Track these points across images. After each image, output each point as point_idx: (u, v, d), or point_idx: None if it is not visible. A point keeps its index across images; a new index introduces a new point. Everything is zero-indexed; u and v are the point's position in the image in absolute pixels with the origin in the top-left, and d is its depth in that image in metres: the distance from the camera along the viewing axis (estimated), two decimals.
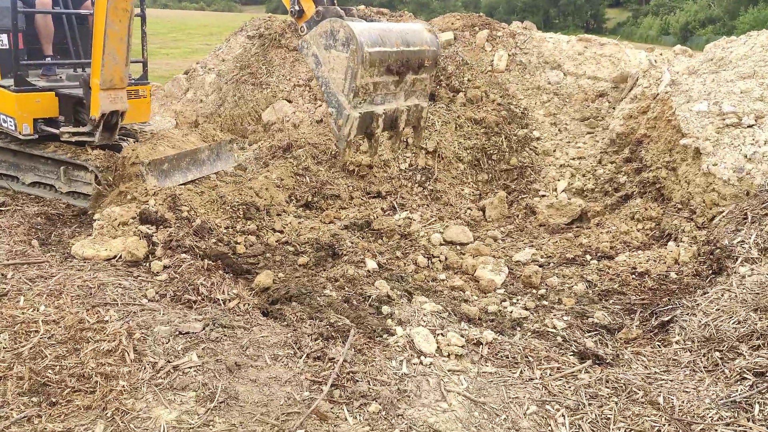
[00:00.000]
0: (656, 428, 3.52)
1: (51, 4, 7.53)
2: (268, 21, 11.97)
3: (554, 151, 8.66)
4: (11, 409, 3.30)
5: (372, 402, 3.65)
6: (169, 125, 10.07)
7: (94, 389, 3.51)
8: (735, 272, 4.97)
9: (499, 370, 4.16)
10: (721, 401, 3.66)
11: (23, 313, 4.09)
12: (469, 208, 7.92)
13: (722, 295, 4.73)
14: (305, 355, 4.08)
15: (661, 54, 9.91)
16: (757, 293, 4.54)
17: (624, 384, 3.94)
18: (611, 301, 5.40)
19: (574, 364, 4.28)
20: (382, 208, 7.60)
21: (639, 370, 4.17)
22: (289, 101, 10.36)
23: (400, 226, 7.09)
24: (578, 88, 9.43)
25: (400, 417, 3.57)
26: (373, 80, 4.86)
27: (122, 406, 3.42)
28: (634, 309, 5.20)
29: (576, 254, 6.50)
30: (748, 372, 3.84)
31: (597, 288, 5.68)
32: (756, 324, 4.20)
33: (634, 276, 5.78)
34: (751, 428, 3.39)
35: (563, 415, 3.69)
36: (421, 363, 4.15)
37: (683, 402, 3.71)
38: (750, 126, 6.59)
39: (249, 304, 4.80)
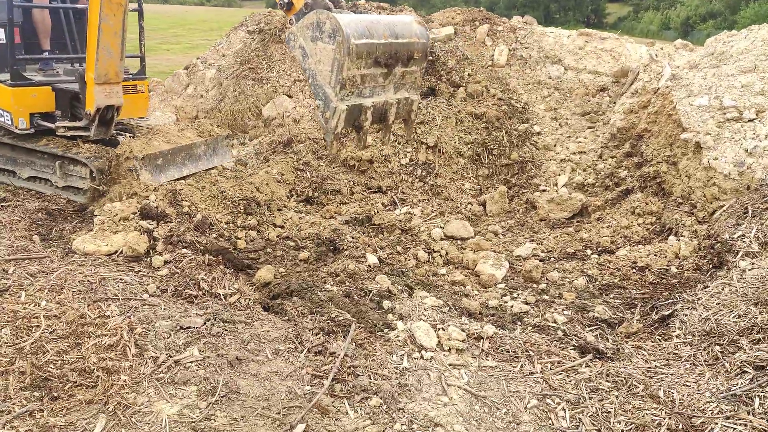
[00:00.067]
0: (657, 422, 3.53)
1: None
2: (268, 16, 11.95)
3: (555, 145, 8.65)
4: (13, 404, 3.31)
5: (373, 396, 3.66)
6: (170, 121, 10.06)
7: (95, 384, 3.52)
8: (735, 266, 4.97)
9: (499, 365, 4.16)
10: (722, 395, 3.67)
11: (25, 308, 4.09)
12: (469, 203, 7.92)
13: (723, 289, 4.73)
14: (306, 350, 4.08)
15: (661, 48, 9.90)
16: (758, 287, 4.54)
17: (624, 378, 3.95)
18: (612, 296, 5.40)
19: (574, 358, 4.28)
20: (382, 203, 7.60)
21: (639, 364, 4.17)
22: (290, 96, 10.36)
23: (400, 221, 7.09)
24: (579, 83, 9.42)
25: (401, 411, 3.58)
26: (361, 72, 4.81)
27: (124, 400, 3.43)
28: (634, 303, 5.20)
29: (576, 249, 6.50)
30: (748, 366, 3.85)
31: (597, 282, 5.68)
32: (756, 318, 4.20)
33: (634, 270, 5.78)
34: (751, 421, 3.40)
35: (564, 409, 3.69)
36: (421, 357, 4.15)
37: (684, 396, 3.72)
38: (751, 120, 6.58)
39: (250, 299, 4.81)
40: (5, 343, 3.73)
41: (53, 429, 3.19)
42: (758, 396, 3.57)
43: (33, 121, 6.92)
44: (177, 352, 3.91)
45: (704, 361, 4.07)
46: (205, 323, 4.24)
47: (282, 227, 6.68)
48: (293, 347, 4.13)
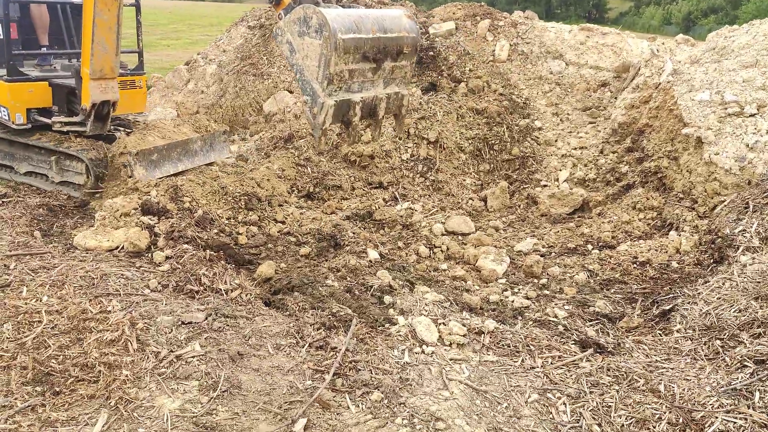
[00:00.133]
0: (657, 416, 3.53)
1: None
2: (268, 11, 11.94)
3: (556, 141, 8.65)
4: (15, 399, 3.32)
5: (374, 390, 3.67)
6: (171, 116, 10.06)
7: (97, 379, 3.53)
8: (736, 261, 4.97)
9: (500, 359, 4.17)
10: (722, 389, 3.67)
11: (26, 304, 4.11)
12: (470, 198, 7.92)
13: (723, 284, 4.73)
14: (307, 345, 4.09)
15: (663, 43, 9.88)
16: (758, 282, 4.55)
17: (625, 372, 3.96)
18: (612, 290, 5.41)
19: (575, 352, 4.29)
20: (383, 199, 7.60)
21: (640, 358, 4.18)
22: (291, 92, 10.35)
23: (401, 216, 7.09)
24: (580, 78, 9.40)
25: (402, 405, 3.59)
26: (349, 67, 4.77)
27: (126, 395, 3.44)
28: (635, 298, 5.21)
29: (577, 244, 6.51)
30: (748, 360, 3.85)
31: (598, 277, 5.69)
32: (757, 312, 4.20)
33: (635, 265, 5.78)
34: (751, 415, 3.40)
35: (564, 403, 3.70)
36: (423, 352, 4.16)
37: (684, 390, 3.73)
38: (752, 115, 6.57)
39: (251, 294, 4.81)
40: (7, 338, 3.74)
41: (55, 424, 3.20)
42: (758, 390, 3.58)
43: (30, 116, 6.93)
44: (178, 347, 3.92)
45: (705, 356, 4.08)
46: (206, 318, 4.25)
47: (283, 223, 6.68)
48: (294, 342, 4.14)
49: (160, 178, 6.59)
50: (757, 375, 3.69)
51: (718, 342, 4.13)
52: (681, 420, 3.48)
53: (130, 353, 3.77)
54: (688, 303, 4.72)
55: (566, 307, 5.12)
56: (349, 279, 5.25)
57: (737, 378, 3.73)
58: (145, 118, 8.11)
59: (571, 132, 8.76)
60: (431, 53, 9.59)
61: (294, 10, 4.73)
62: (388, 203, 7.58)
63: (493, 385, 3.87)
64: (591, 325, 4.80)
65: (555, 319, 4.87)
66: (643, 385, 3.82)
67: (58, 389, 3.43)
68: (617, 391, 3.77)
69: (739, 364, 3.87)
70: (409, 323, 4.46)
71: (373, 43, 4.89)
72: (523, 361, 4.16)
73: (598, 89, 9.22)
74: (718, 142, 6.51)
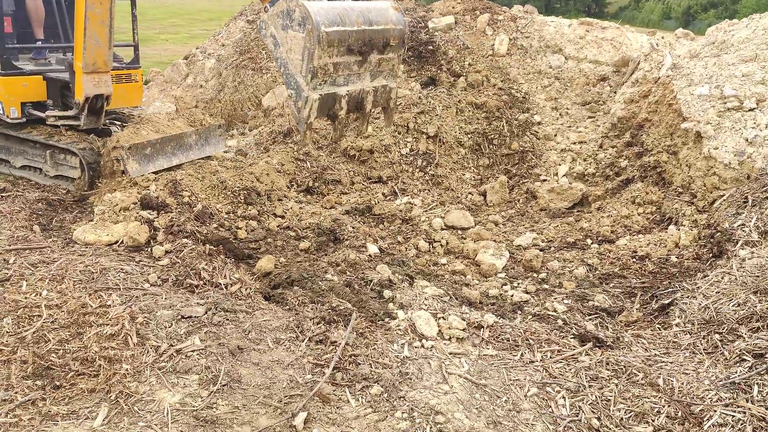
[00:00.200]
0: (656, 409, 3.55)
1: None
2: None
3: (555, 135, 8.64)
4: (16, 393, 3.33)
5: (374, 384, 3.68)
6: (170, 111, 10.05)
7: (97, 373, 3.53)
8: (735, 255, 4.98)
9: (500, 353, 4.18)
10: (721, 383, 3.68)
11: (26, 298, 4.11)
12: (470, 193, 7.92)
13: (722, 278, 4.74)
14: (307, 339, 4.10)
15: (662, 38, 9.87)
16: (757, 276, 4.55)
17: (624, 366, 3.97)
18: (612, 285, 5.42)
19: (574, 346, 4.30)
20: (383, 193, 7.60)
21: (639, 352, 4.19)
22: None
23: (401, 210, 7.09)
24: (579, 72, 9.39)
25: (401, 399, 3.60)
26: (333, 61, 4.71)
27: (126, 389, 3.45)
28: (634, 292, 5.22)
29: (577, 238, 6.51)
30: (747, 354, 3.86)
31: (597, 271, 5.69)
32: (756, 306, 4.21)
33: (634, 259, 5.79)
34: (749, 409, 3.42)
35: (564, 397, 3.71)
36: (422, 346, 4.17)
37: (683, 383, 3.74)
38: (751, 109, 6.57)
39: (251, 289, 4.82)
40: (7, 332, 3.75)
41: (56, 417, 3.21)
42: (757, 384, 3.59)
43: (25, 110, 6.92)
44: (178, 341, 3.93)
45: (703, 350, 4.09)
46: (206, 312, 4.26)
47: (282, 217, 6.68)
48: (294, 336, 4.15)
49: (154, 172, 6.58)
50: (756, 369, 3.70)
51: (717, 336, 4.14)
52: (680, 413, 3.49)
53: (130, 347, 3.77)
54: (687, 297, 4.73)
55: (565, 301, 5.13)
56: (348, 273, 5.25)
57: (736, 372, 3.74)
58: (141, 112, 8.08)
59: (570, 126, 8.75)
60: (430, 47, 9.57)
61: (277, 3, 4.67)
62: (388, 198, 7.58)
63: (492, 379, 3.88)
64: (590, 319, 4.81)
65: (554, 314, 4.88)
66: (642, 379, 3.83)
67: (58, 383, 3.43)
68: (616, 385, 3.78)
69: (737, 357, 3.88)
70: (408, 317, 4.46)
71: (358, 35, 4.82)
72: (522, 355, 4.17)
73: (597, 84, 9.21)
74: (718, 137, 6.51)
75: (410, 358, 4.01)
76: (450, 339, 4.29)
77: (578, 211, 7.36)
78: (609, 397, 3.68)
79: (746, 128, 6.40)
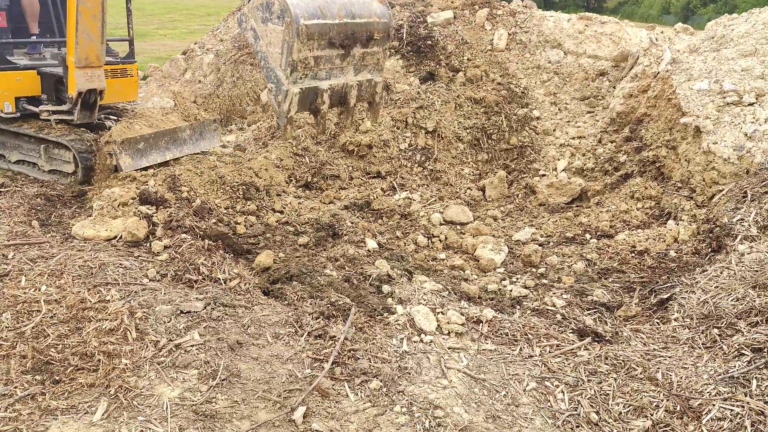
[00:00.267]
0: (655, 404, 3.55)
1: None
2: None
3: (554, 130, 8.64)
4: (15, 387, 3.33)
5: (373, 379, 3.69)
6: (168, 106, 10.02)
7: (96, 367, 3.54)
8: (734, 250, 4.99)
9: (498, 348, 4.19)
10: (719, 377, 3.69)
11: (25, 293, 4.11)
12: (468, 188, 7.92)
13: (721, 273, 4.74)
14: (306, 334, 4.10)
15: (662, 32, 9.85)
16: (756, 270, 4.56)
17: (623, 361, 3.97)
18: (610, 279, 5.42)
19: (573, 341, 4.31)
20: (381, 188, 7.59)
21: (638, 346, 4.20)
22: None
23: (400, 206, 7.09)
24: (578, 67, 9.38)
25: (400, 393, 3.61)
26: (314, 54, 4.66)
27: (125, 383, 3.45)
28: (633, 287, 5.22)
29: (576, 233, 6.52)
30: (746, 348, 3.87)
31: (596, 266, 5.69)
32: (754, 301, 4.22)
33: (633, 254, 5.79)
34: (748, 403, 3.42)
35: (563, 392, 3.72)
36: (421, 341, 4.17)
37: (681, 378, 3.75)
38: (751, 104, 6.57)
39: (250, 284, 4.82)
40: (6, 327, 3.75)
41: (55, 412, 3.21)
42: (755, 378, 3.60)
43: (19, 105, 6.92)
44: (177, 336, 3.93)
45: (702, 344, 4.09)
46: (205, 307, 4.26)
47: (281, 212, 6.68)
48: (293, 331, 4.15)
49: (147, 167, 6.58)
50: (755, 363, 3.70)
51: (716, 330, 4.15)
52: (678, 407, 3.50)
53: (129, 342, 3.77)
54: (686, 292, 4.73)
55: (564, 296, 5.14)
56: (347, 268, 5.25)
57: (734, 366, 3.75)
58: (134, 107, 8.06)
59: (569, 121, 8.75)
60: (429, 42, 9.55)
61: None
62: (387, 193, 7.57)
63: (491, 373, 3.89)
64: (589, 313, 4.81)
65: (553, 308, 4.88)
66: (640, 374, 3.84)
67: (57, 378, 3.44)
68: (615, 380, 3.79)
69: (736, 352, 3.89)
70: (407, 312, 4.47)
71: (340, 28, 4.75)
72: (521, 349, 4.18)
73: (596, 78, 9.20)
74: (717, 132, 6.51)
75: (409, 353, 4.02)
76: (449, 334, 4.29)
77: (577, 206, 7.36)
78: (608, 392, 3.69)
79: (745, 123, 6.40)
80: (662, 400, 3.57)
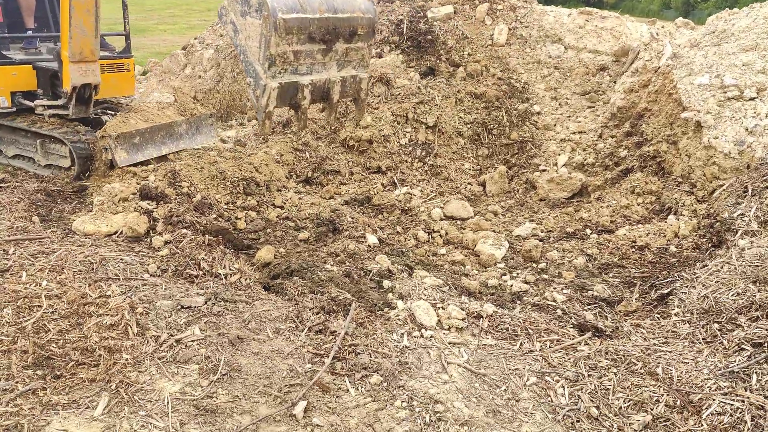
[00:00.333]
0: (655, 398, 3.56)
1: None
2: None
3: (555, 125, 8.63)
4: (16, 382, 3.33)
5: (373, 374, 3.69)
6: (168, 101, 10.01)
7: (97, 362, 3.54)
8: (735, 245, 4.98)
9: (499, 343, 4.19)
10: (720, 372, 3.70)
11: (26, 288, 4.11)
12: (469, 183, 7.91)
13: (722, 268, 4.74)
14: (307, 329, 4.11)
15: (662, 27, 9.83)
16: (757, 265, 4.56)
17: (623, 355, 3.98)
18: (611, 275, 5.42)
19: (573, 336, 4.31)
20: (382, 184, 7.59)
21: (638, 341, 4.20)
22: None
23: (400, 201, 7.09)
24: (579, 62, 9.36)
25: (401, 388, 3.61)
26: (293, 49, 4.61)
27: (126, 378, 3.45)
28: (633, 282, 5.22)
29: (576, 228, 6.51)
30: (746, 343, 3.87)
31: (597, 261, 5.69)
32: (755, 296, 4.22)
33: (634, 249, 5.79)
34: (748, 398, 3.43)
35: (563, 386, 3.72)
36: (421, 336, 4.18)
37: (682, 372, 3.75)
38: (752, 99, 6.56)
39: (250, 279, 4.82)
40: (7, 322, 3.75)
41: (56, 407, 3.22)
42: (756, 372, 3.60)
43: (14, 99, 6.93)
44: (178, 331, 3.94)
45: (702, 339, 4.10)
46: (205, 303, 4.26)
47: (282, 208, 6.68)
48: (294, 326, 4.15)
49: (144, 162, 6.58)
50: (755, 358, 3.71)
51: (716, 325, 4.15)
52: (678, 402, 3.51)
53: (130, 337, 3.78)
54: (687, 287, 4.73)
55: (565, 291, 5.14)
56: (348, 264, 5.25)
57: (735, 361, 3.75)
58: (131, 101, 8.06)
59: (569, 116, 8.73)
60: (429, 37, 9.53)
61: None
62: (387, 188, 7.57)
63: (491, 368, 3.89)
64: (589, 308, 4.82)
65: (553, 303, 4.88)
66: (641, 368, 3.84)
67: (58, 373, 3.44)
68: (615, 374, 3.80)
69: (736, 347, 3.89)
70: (408, 307, 4.47)
71: (320, 23, 4.69)
72: (521, 344, 4.18)
73: (597, 73, 9.18)
74: (718, 126, 6.50)
75: (410, 348, 4.02)
76: (449, 329, 4.30)
77: (577, 201, 7.35)
78: (608, 386, 3.69)
79: (746, 118, 6.39)
80: (662, 395, 3.57)
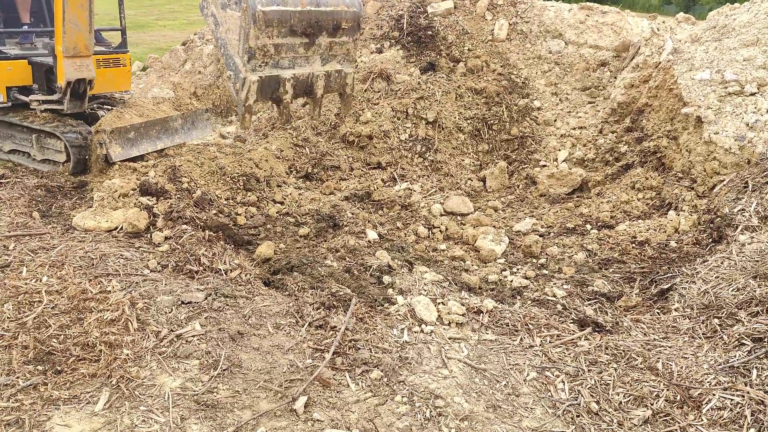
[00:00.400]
0: (655, 393, 3.56)
1: None
2: None
3: (555, 120, 8.61)
4: (17, 377, 3.34)
5: (374, 369, 3.69)
6: (168, 97, 10.00)
7: (98, 358, 3.55)
8: (735, 240, 4.98)
9: (499, 338, 4.19)
10: (720, 366, 3.70)
11: (26, 284, 4.11)
12: (469, 179, 7.91)
13: (722, 263, 4.74)
14: (307, 324, 4.11)
15: (663, 22, 9.80)
16: (757, 261, 4.56)
17: (623, 350, 3.98)
18: (611, 270, 5.42)
19: (573, 331, 4.31)
20: (382, 179, 7.59)
21: (638, 337, 4.20)
22: None
23: (400, 196, 7.09)
24: (579, 58, 9.34)
25: (401, 383, 3.62)
26: (274, 42, 4.55)
27: (127, 374, 3.46)
28: (633, 277, 5.22)
29: (576, 224, 6.51)
30: (746, 338, 3.87)
31: (597, 257, 5.70)
32: (755, 291, 4.22)
33: (634, 245, 5.79)
34: (748, 392, 3.43)
35: (563, 381, 3.73)
36: (422, 331, 4.18)
37: (682, 367, 3.75)
38: (752, 94, 6.55)
39: (251, 275, 4.82)
40: (8, 318, 3.75)
41: (57, 402, 3.23)
42: (756, 367, 3.60)
43: (10, 94, 6.93)
44: (179, 326, 3.94)
45: (702, 334, 4.10)
46: (206, 298, 4.26)
47: (282, 203, 6.67)
48: (294, 321, 4.16)
49: (139, 156, 6.58)
50: (755, 353, 3.71)
51: (716, 320, 4.15)
52: (678, 397, 3.51)
53: (130, 332, 3.78)
54: (687, 282, 4.73)
55: (565, 286, 5.14)
56: (348, 259, 5.25)
57: (735, 356, 3.76)
58: (127, 96, 8.06)
59: (570, 112, 8.72)
60: (429, 33, 9.51)
61: None
62: (387, 184, 7.56)
63: (491, 363, 3.90)
64: (589, 304, 4.82)
65: (554, 299, 4.89)
66: (641, 363, 3.84)
67: (59, 368, 3.45)
68: (615, 369, 3.80)
69: (736, 342, 3.89)
70: (408, 303, 4.47)
71: (302, 16, 4.63)
72: (521, 339, 4.19)
73: (597, 69, 9.16)
74: (718, 122, 6.49)
75: (410, 343, 4.02)
76: (449, 324, 4.30)
77: (578, 197, 7.35)
78: (608, 381, 3.70)
79: (747, 113, 6.38)
80: (662, 390, 3.57)
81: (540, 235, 6.23)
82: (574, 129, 8.40)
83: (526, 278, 5.36)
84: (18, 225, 5.23)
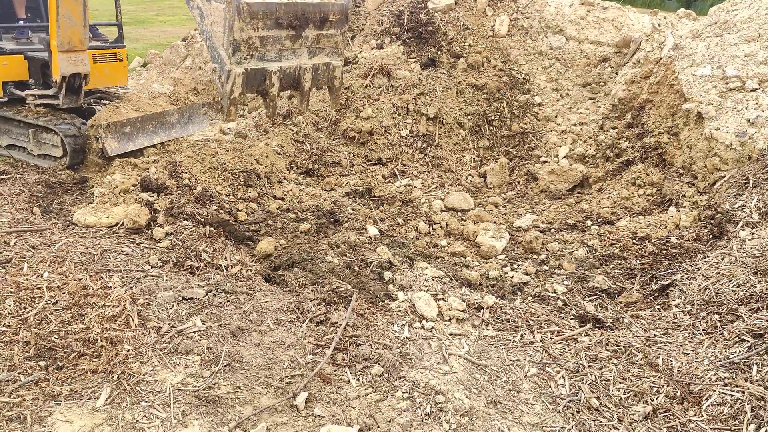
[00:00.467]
0: (655, 389, 3.57)
1: None
2: None
3: (556, 116, 8.61)
4: (18, 373, 3.35)
5: (374, 365, 3.70)
6: (168, 92, 10.00)
7: (99, 353, 3.55)
8: (735, 236, 4.98)
9: (499, 334, 4.20)
10: (720, 362, 3.70)
11: (27, 280, 4.11)
12: (470, 175, 7.90)
13: (722, 259, 4.74)
14: (308, 320, 4.11)
15: (664, 18, 9.78)
16: (757, 257, 4.56)
17: (624, 347, 3.98)
18: (612, 266, 5.42)
19: (574, 327, 4.32)
20: (383, 175, 7.59)
21: (639, 333, 4.21)
22: None
23: (401, 192, 7.08)
24: (580, 53, 9.33)
25: (402, 379, 3.62)
26: (259, 34, 4.54)
27: (128, 369, 3.47)
28: (634, 273, 5.22)
29: (577, 220, 6.51)
30: (746, 334, 3.87)
31: (597, 253, 5.70)
32: (755, 287, 4.22)
33: (634, 241, 5.79)
34: (748, 388, 3.44)
35: (563, 377, 3.73)
36: (422, 327, 4.19)
37: (682, 363, 3.76)
38: (753, 90, 6.54)
39: (251, 270, 4.83)
40: (9, 314, 3.76)
41: (59, 398, 3.23)
42: (756, 363, 3.60)
43: (6, 89, 6.94)
44: (180, 322, 3.95)
45: (703, 330, 4.10)
46: (207, 294, 4.27)
47: (282, 199, 6.68)
48: (295, 317, 4.16)
49: (135, 151, 6.59)
50: (755, 349, 3.71)
51: (717, 316, 4.15)
52: (679, 393, 3.52)
53: (131, 328, 3.79)
54: (687, 278, 4.73)
55: (565, 282, 5.14)
56: (348, 255, 5.26)
57: (735, 352, 3.76)
58: (124, 91, 8.05)
59: (571, 108, 8.71)
60: (430, 28, 9.49)
61: None
62: (388, 180, 7.56)
63: (492, 359, 3.90)
64: (590, 300, 4.82)
65: (554, 295, 4.89)
66: (641, 359, 3.85)
67: (60, 364, 3.45)
68: (616, 365, 3.80)
69: (737, 338, 3.89)
70: (408, 299, 4.47)
71: (288, 9, 4.61)
72: (522, 335, 4.19)
73: (598, 64, 9.15)
74: (719, 117, 6.49)
75: (410, 339, 4.03)
76: (450, 320, 4.30)
77: (578, 193, 7.35)
78: (608, 377, 3.70)
79: (748, 109, 6.37)
80: (663, 386, 3.58)
81: (540, 231, 6.23)
82: (575, 125, 8.40)
83: (527, 274, 5.37)
84: (19, 221, 5.23)
